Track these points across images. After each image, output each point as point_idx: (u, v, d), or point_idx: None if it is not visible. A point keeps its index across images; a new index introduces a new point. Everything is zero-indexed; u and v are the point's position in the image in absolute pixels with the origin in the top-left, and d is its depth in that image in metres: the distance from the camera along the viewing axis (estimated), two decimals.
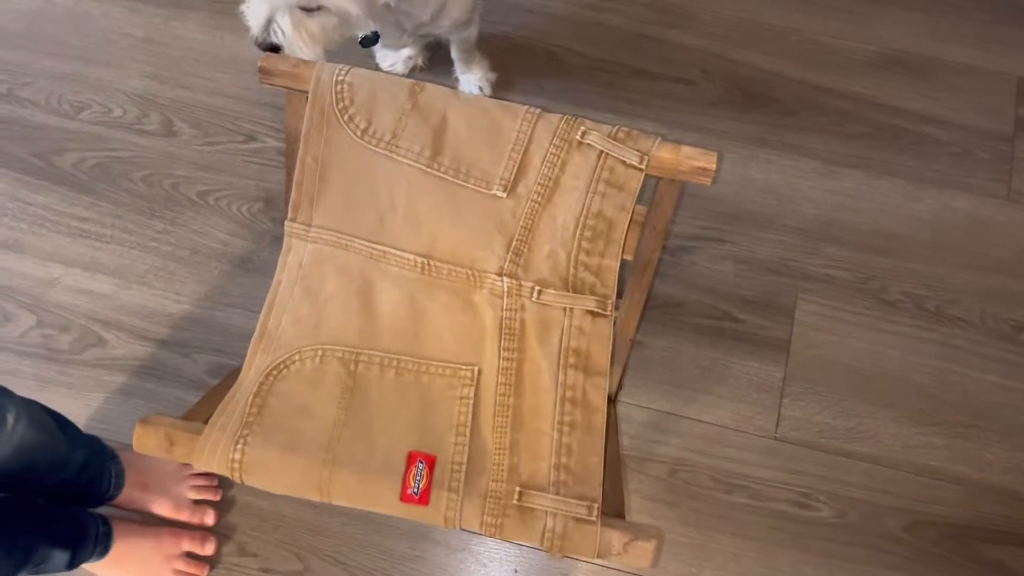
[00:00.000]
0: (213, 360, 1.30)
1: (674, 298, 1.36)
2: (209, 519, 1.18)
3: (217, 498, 1.20)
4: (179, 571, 1.14)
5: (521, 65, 1.56)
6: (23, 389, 1.26)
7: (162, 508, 1.17)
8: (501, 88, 1.52)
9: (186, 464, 1.15)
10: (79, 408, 1.26)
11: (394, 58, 1.50)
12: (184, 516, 1.17)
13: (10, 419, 0.88)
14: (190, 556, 1.16)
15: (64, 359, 1.29)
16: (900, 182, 1.47)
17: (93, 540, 1.07)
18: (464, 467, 0.83)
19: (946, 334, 1.35)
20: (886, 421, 1.29)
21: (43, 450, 0.98)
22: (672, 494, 1.24)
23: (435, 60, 1.53)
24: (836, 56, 1.59)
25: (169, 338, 1.31)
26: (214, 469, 0.82)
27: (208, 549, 1.17)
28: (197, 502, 1.18)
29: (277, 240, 0.93)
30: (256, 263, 1.37)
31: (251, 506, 1.21)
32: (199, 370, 1.29)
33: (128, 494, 1.15)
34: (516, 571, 1.19)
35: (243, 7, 1.05)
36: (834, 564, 1.20)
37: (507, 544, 1.21)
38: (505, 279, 0.91)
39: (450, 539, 1.21)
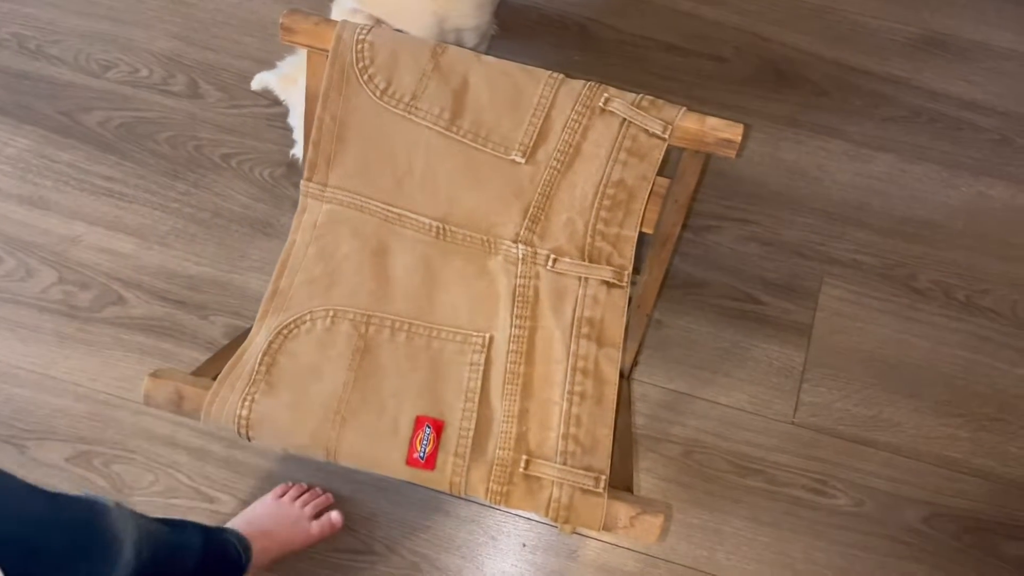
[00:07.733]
0: (230, 322, 1.30)
1: (696, 277, 1.34)
2: (337, 521, 1.16)
3: (330, 501, 1.18)
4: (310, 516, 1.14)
5: (551, 37, 1.53)
6: (42, 345, 1.27)
7: (295, 545, 1.14)
8: (529, 60, 1.49)
9: (286, 495, 1.15)
10: (96, 365, 1.27)
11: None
12: (316, 537, 1.15)
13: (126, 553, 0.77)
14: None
15: (84, 316, 1.30)
16: (934, 168, 1.43)
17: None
18: (471, 433, 0.82)
19: (975, 325, 1.32)
20: (909, 411, 1.26)
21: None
22: (686, 475, 1.22)
23: None
24: (875, 36, 1.54)
25: (187, 299, 1.31)
26: (221, 424, 0.81)
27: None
28: (318, 515, 1.16)
29: (298, 205, 0.93)
30: (276, 228, 1.36)
31: (260, 468, 1.21)
32: (216, 332, 1.29)
33: (259, 558, 1.07)
34: (524, 545, 1.18)
35: None
36: (849, 553, 1.18)
37: (516, 518, 1.20)
38: (520, 246, 0.90)
39: (460, 510, 1.20)
